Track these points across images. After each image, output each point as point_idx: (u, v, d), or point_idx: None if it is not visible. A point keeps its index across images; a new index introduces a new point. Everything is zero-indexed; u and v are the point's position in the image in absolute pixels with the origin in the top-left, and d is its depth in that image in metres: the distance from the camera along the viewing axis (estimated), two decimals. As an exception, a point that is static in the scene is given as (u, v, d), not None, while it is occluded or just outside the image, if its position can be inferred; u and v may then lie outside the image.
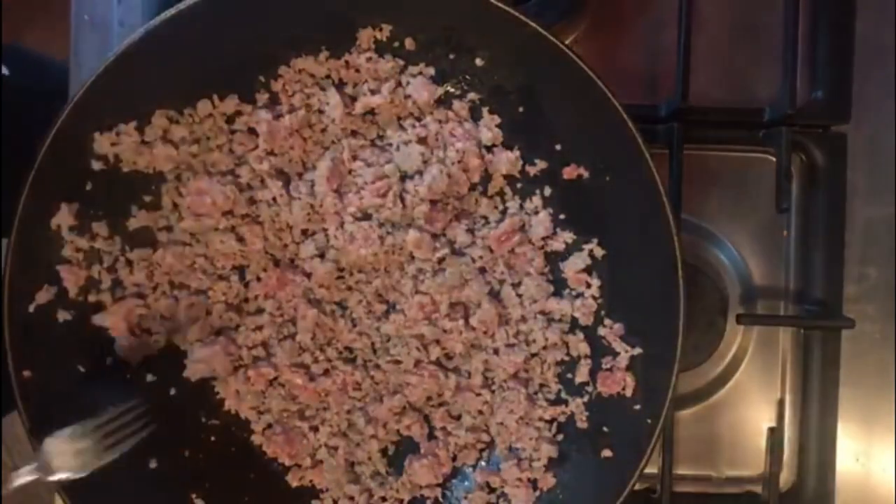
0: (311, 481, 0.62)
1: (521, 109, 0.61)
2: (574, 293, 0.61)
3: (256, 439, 0.63)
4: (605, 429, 0.60)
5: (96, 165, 0.58)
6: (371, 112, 0.61)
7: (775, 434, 0.66)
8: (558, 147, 0.60)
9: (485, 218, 0.62)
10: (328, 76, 0.61)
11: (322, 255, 0.61)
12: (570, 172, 0.60)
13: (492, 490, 0.61)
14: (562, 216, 0.61)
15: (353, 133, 0.61)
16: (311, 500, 0.62)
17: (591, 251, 0.61)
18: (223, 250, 0.61)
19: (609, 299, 0.61)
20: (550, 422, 0.61)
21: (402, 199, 0.60)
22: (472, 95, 0.61)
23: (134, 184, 0.60)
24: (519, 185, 0.62)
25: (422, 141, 0.61)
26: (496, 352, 0.61)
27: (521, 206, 0.62)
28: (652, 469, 0.63)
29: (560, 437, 0.61)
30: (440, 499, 0.62)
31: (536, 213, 0.62)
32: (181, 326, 0.61)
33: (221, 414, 0.63)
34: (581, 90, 0.56)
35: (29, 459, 0.54)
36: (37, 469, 0.52)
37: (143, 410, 0.57)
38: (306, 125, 0.61)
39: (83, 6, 0.68)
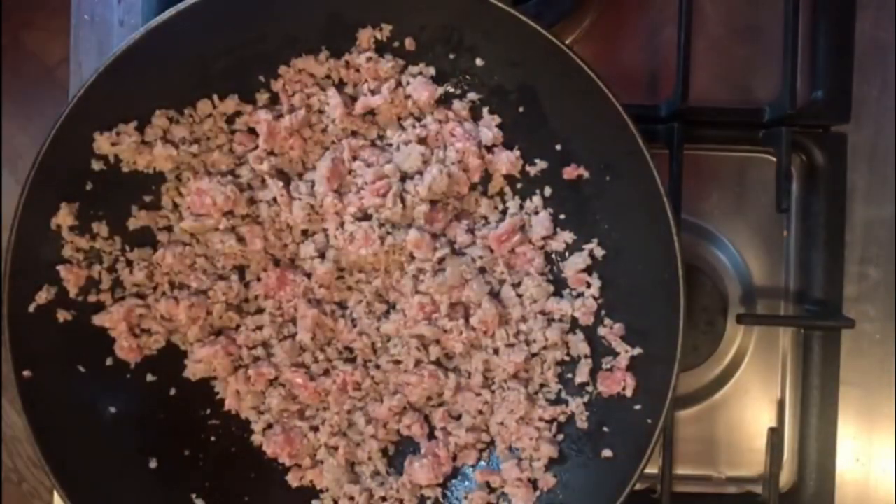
0: (311, 481, 0.62)
1: (521, 109, 0.61)
2: (574, 293, 0.61)
3: (256, 439, 0.63)
4: (605, 429, 0.60)
5: (96, 165, 0.58)
6: (371, 112, 0.61)
7: (775, 434, 0.66)
8: (558, 147, 0.60)
9: (485, 218, 0.62)
10: (328, 76, 0.61)
11: (322, 255, 0.61)
12: (570, 172, 0.60)
13: (492, 490, 0.61)
14: (562, 216, 0.61)
15: (354, 133, 0.61)
16: (311, 500, 0.62)
17: (591, 251, 0.61)
18: (223, 250, 0.61)
19: (609, 299, 0.61)
20: (550, 422, 0.61)
21: (402, 199, 0.60)
22: (472, 95, 0.61)
23: (134, 184, 0.60)
24: (519, 185, 0.62)
25: (422, 141, 0.61)
26: (496, 352, 0.61)
27: (521, 206, 0.62)
28: (652, 469, 0.63)
29: (560, 437, 0.61)
30: (440, 499, 0.62)
31: (536, 213, 0.62)
32: (181, 326, 0.61)
33: (221, 414, 0.63)
34: (581, 90, 0.56)
35: (29, 460, 0.54)
36: None
37: None
38: (306, 125, 0.61)
39: (83, 6, 0.68)
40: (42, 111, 1.58)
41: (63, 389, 0.58)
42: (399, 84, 0.61)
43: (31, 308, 0.57)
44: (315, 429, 0.63)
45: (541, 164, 0.61)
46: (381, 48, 0.60)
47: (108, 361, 0.60)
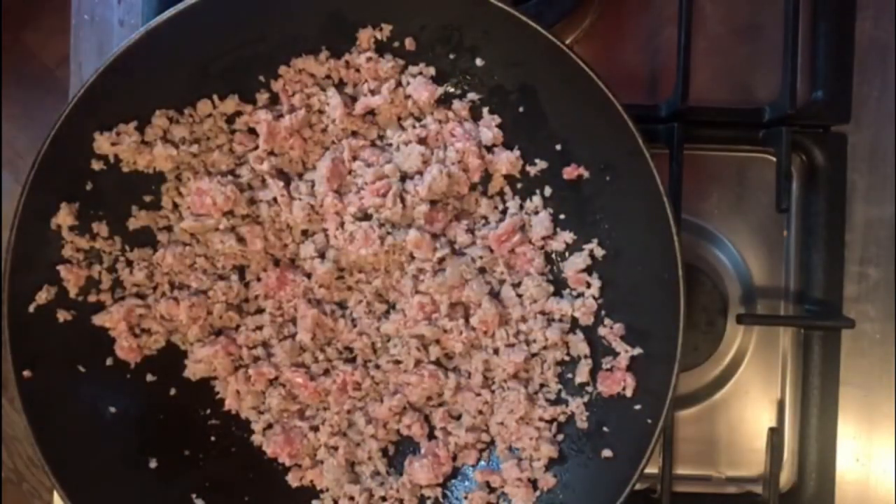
0: (311, 481, 0.62)
1: (521, 109, 0.61)
2: (574, 293, 0.61)
3: (256, 439, 0.63)
4: (605, 429, 0.60)
5: (96, 165, 0.58)
6: (371, 112, 0.61)
7: (775, 434, 0.66)
8: (558, 147, 0.60)
9: (485, 218, 0.62)
10: (328, 76, 0.61)
11: (322, 255, 0.61)
12: (570, 172, 0.60)
13: (492, 490, 0.61)
14: (562, 216, 0.61)
15: (354, 133, 0.61)
16: (311, 500, 0.62)
17: (591, 251, 0.61)
18: (223, 250, 0.61)
19: (609, 299, 0.61)
20: (550, 422, 0.61)
21: (402, 199, 0.60)
22: (472, 95, 0.61)
23: (134, 184, 0.60)
24: (519, 185, 0.62)
25: (422, 141, 0.61)
26: (496, 352, 0.61)
27: (521, 206, 0.62)
28: (652, 469, 0.63)
29: (560, 437, 0.61)
30: (440, 499, 0.62)
31: (536, 213, 0.62)
32: (181, 326, 0.61)
33: (221, 414, 0.63)
34: (581, 90, 0.56)
35: (29, 460, 0.54)
36: None
37: None
38: (306, 125, 0.61)
39: (83, 6, 0.68)
40: (42, 111, 1.58)
41: (63, 389, 0.58)
42: (399, 84, 0.61)
43: (31, 308, 0.57)
44: (315, 429, 0.63)
45: (541, 164, 0.61)
46: (381, 48, 0.60)
47: (108, 361, 0.60)
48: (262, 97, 0.61)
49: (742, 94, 0.69)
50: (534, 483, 0.60)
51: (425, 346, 0.62)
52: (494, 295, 0.62)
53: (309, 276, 0.62)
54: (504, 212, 0.62)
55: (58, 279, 0.58)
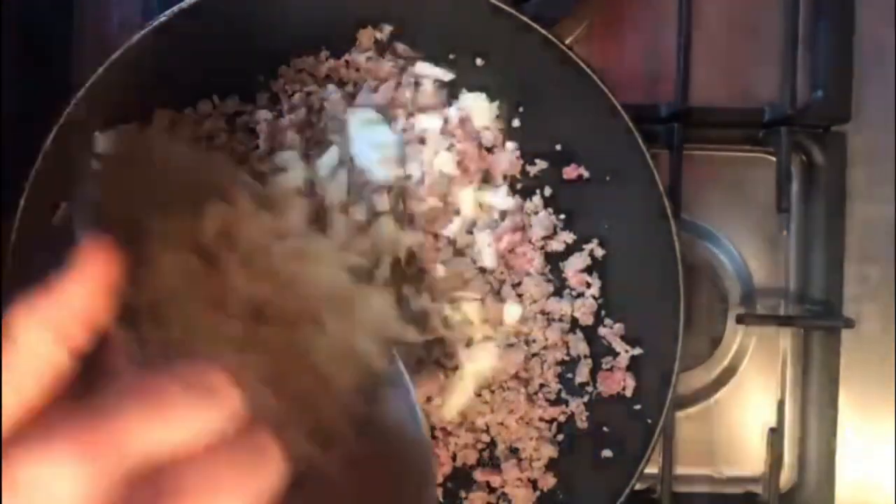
0: (311, 481, 0.62)
1: (521, 109, 0.61)
2: (574, 293, 0.61)
3: (256, 439, 0.63)
4: (605, 429, 0.60)
5: (97, 165, 0.58)
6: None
7: (775, 434, 0.66)
8: (558, 147, 0.60)
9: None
10: (328, 76, 0.61)
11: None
12: (570, 172, 0.60)
13: (492, 490, 0.61)
14: (562, 216, 0.61)
15: (353, 133, 0.61)
16: (311, 500, 0.62)
17: (591, 251, 0.61)
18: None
19: (609, 299, 0.61)
20: (550, 422, 0.61)
21: (403, 199, 0.60)
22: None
23: (134, 184, 0.60)
24: (519, 185, 0.62)
25: (422, 141, 0.61)
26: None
27: (521, 207, 0.62)
28: (652, 469, 0.63)
29: (560, 437, 0.61)
30: (440, 499, 0.62)
31: (536, 213, 0.62)
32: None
33: (221, 414, 0.63)
34: (581, 90, 0.56)
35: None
36: None
37: None
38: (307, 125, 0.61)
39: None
40: (42, 111, 1.58)
41: (63, 389, 0.58)
42: (399, 84, 0.61)
43: (32, 308, 0.57)
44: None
45: (541, 164, 0.61)
46: (381, 48, 0.60)
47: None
48: (262, 97, 0.61)
49: (742, 94, 0.69)
50: (534, 483, 0.60)
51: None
52: (494, 295, 0.61)
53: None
54: (504, 212, 0.62)
55: (58, 279, 0.58)
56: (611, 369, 0.60)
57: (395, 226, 0.60)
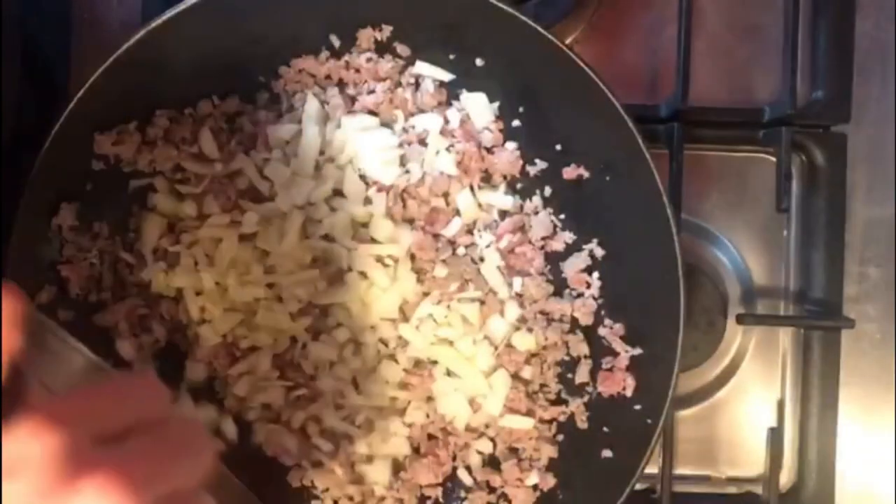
0: (311, 481, 0.62)
1: (521, 109, 0.61)
2: (574, 293, 0.61)
3: (256, 439, 0.63)
4: (605, 429, 0.60)
5: (96, 165, 0.58)
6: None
7: (775, 434, 0.66)
8: (558, 147, 0.60)
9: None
10: (328, 76, 0.61)
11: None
12: (570, 172, 0.60)
13: (492, 490, 0.61)
14: (562, 216, 0.61)
15: (354, 133, 0.61)
16: (311, 500, 0.62)
17: (591, 251, 0.61)
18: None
19: (609, 299, 0.61)
20: (550, 422, 0.61)
21: (403, 199, 0.60)
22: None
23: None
24: (519, 185, 0.62)
25: (422, 141, 0.61)
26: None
27: (521, 206, 0.62)
28: (652, 469, 0.63)
29: (560, 437, 0.61)
30: (440, 499, 0.62)
31: (536, 213, 0.62)
32: (182, 327, 0.61)
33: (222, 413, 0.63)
34: (581, 90, 0.56)
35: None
36: None
37: None
38: (306, 125, 0.61)
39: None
40: (42, 111, 1.58)
41: (63, 389, 0.58)
42: (399, 84, 0.61)
43: (32, 308, 0.57)
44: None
45: (541, 164, 0.61)
46: (381, 48, 0.60)
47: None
48: (262, 97, 0.61)
49: (742, 94, 0.69)
50: (534, 483, 0.60)
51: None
52: (494, 295, 0.62)
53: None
54: (504, 212, 0.62)
55: (58, 279, 0.58)
56: (611, 369, 0.60)
57: (393, 225, 0.60)
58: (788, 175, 0.65)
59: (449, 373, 0.61)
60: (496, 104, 0.61)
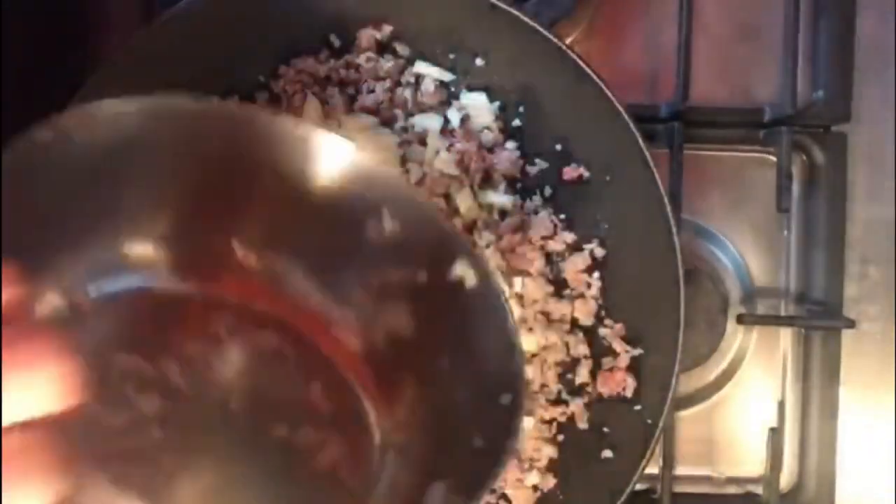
0: (311, 481, 0.62)
1: (521, 109, 0.61)
2: (574, 293, 0.61)
3: (256, 439, 0.63)
4: (605, 429, 0.60)
5: (96, 165, 0.58)
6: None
7: (775, 434, 0.66)
8: (558, 147, 0.60)
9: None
10: (328, 76, 0.61)
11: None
12: (570, 172, 0.60)
13: (492, 490, 0.61)
14: (562, 216, 0.61)
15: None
16: (311, 500, 0.62)
17: (591, 251, 0.61)
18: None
19: (609, 299, 0.61)
20: (550, 422, 0.61)
21: (402, 199, 0.60)
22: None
23: (134, 184, 0.60)
24: (519, 185, 0.62)
25: (422, 141, 0.61)
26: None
27: (522, 206, 0.62)
28: (652, 469, 0.63)
29: (560, 437, 0.61)
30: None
31: (536, 213, 0.62)
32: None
33: (221, 414, 0.63)
34: (581, 90, 0.56)
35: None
36: None
37: None
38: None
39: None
40: (42, 111, 1.58)
41: (63, 389, 0.58)
42: (399, 84, 0.61)
43: (31, 308, 0.57)
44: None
45: (541, 164, 0.61)
46: (381, 48, 0.60)
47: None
48: (262, 97, 0.61)
49: (742, 94, 0.69)
50: (534, 483, 0.60)
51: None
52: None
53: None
54: (504, 212, 0.62)
55: (58, 279, 0.58)
56: (611, 369, 0.60)
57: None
58: (788, 175, 0.65)
59: (449, 373, 0.61)
60: (496, 104, 0.61)
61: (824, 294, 0.67)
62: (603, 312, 0.61)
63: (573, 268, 0.61)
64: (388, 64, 0.60)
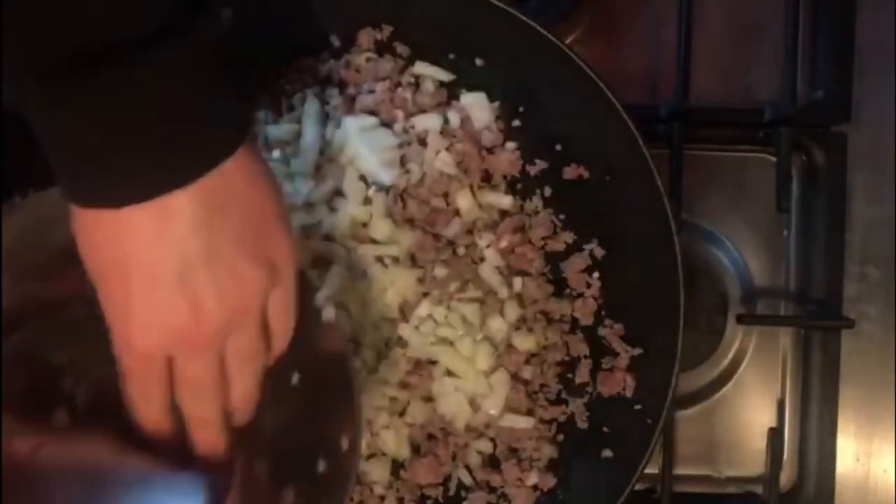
0: (311, 481, 0.62)
1: (521, 109, 0.61)
2: (574, 293, 0.61)
3: (256, 439, 0.63)
4: (605, 429, 0.60)
5: (96, 165, 0.58)
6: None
7: (775, 434, 0.66)
8: (558, 147, 0.60)
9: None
10: (328, 76, 0.61)
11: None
12: (570, 172, 0.60)
13: (492, 490, 0.61)
14: (562, 216, 0.61)
15: (353, 133, 0.61)
16: (311, 500, 0.62)
17: (591, 251, 0.61)
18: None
19: (609, 299, 0.61)
20: (550, 422, 0.61)
21: (403, 200, 0.60)
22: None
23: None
24: (519, 185, 0.62)
25: (422, 141, 0.61)
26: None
27: (521, 206, 0.62)
28: (652, 469, 0.63)
29: (560, 437, 0.61)
30: (440, 499, 0.62)
31: (536, 213, 0.62)
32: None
33: (221, 414, 0.63)
34: (581, 90, 0.56)
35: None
36: None
37: None
38: (306, 125, 0.61)
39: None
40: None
41: (63, 389, 0.58)
42: (399, 84, 0.61)
43: (31, 308, 0.57)
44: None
45: (541, 164, 0.61)
46: (381, 48, 0.60)
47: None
48: (262, 97, 0.61)
49: (742, 94, 0.69)
50: (534, 483, 0.60)
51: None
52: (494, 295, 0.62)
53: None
54: (504, 212, 0.62)
55: (58, 279, 0.58)
56: (611, 369, 0.60)
57: (393, 225, 0.60)
58: (788, 175, 0.65)
59: (449, 373, 0.61)
60: (496, 104, 0.61)
61: (824, 294, 0.67)
62: (603, 312, 0.61)
63: (573, 268, 0.61)
64: (388, 64, 0.60)
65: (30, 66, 0.34)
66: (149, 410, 0.44)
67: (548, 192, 0.61)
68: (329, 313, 0.49)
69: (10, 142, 0.48)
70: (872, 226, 0.68)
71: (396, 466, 0.62)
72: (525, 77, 0.59)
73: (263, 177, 0.41)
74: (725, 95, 0.69)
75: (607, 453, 0.59)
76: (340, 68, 0.60)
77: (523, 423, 0.60)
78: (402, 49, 0.60)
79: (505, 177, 0.62)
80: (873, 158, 0.68)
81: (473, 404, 0.61)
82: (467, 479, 0.62)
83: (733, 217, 0.69)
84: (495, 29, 0.57)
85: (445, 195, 0.61)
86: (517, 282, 0.61)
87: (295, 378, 0.49)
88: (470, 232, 0.62)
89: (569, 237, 0.61)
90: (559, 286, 0.62)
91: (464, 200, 0.61)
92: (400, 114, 0.61)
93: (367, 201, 0.60)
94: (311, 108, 0.60)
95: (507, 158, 0.61)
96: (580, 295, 0.61)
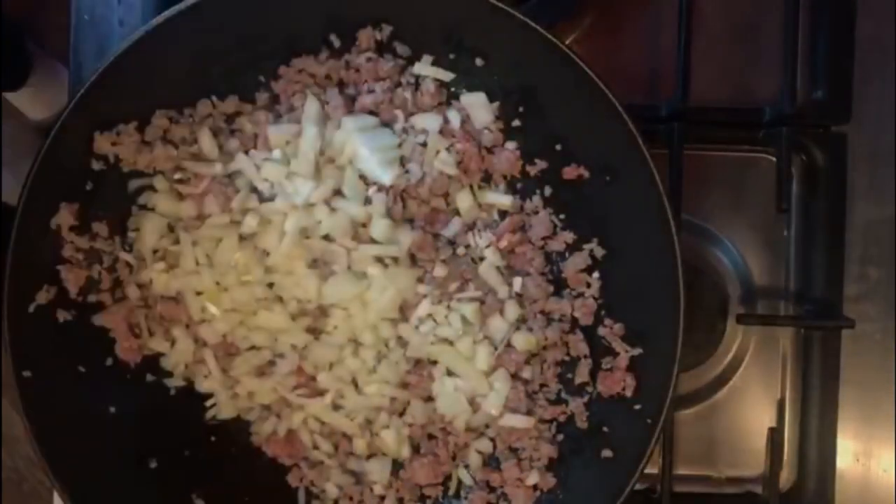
0: (311, 481, 0.62)
1: (521, 109, 0.61)
2: (574, 293, 0.61)
3: (256, 439, 0.63)
4: (605, 429, 0.60)
5: (96, 165, 0.58)
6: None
7: (775, 434, 0.66)
8: (558, 147, 0.60)
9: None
10: (328, 76, 0.61)
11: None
12: (570, 172, 0.60)
13: (492, 490, 0.61)
14: (562, 216, 0.61)
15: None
16: (311, 499, 0.62)
17: (591, 251, 0.61)
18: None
19: (609, 299, 0.61)
20: (550, 422, 0.61)
21: (403, 200, 0.60)
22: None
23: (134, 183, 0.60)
24: (519, 185, 0.62)
25: (422, 142, 0.61)
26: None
27: (522, 207, 0.62)
28: (652, 469, 0.63)
29: (560, 437, 0.61)
30: (440, 499, 0.62)
31: (536, 213, 0.62)
32: (191, 325, 0.61)
33: (221, 414, 0.63)
34: (581, 90, 0.56)
35: (29, 460, 0.54)
36: None
37: None
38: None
39: (83, 6, 0.68)
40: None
41: (63, 389, 0.58)
42: (399, 84, 0.61)
43: (32, 308, 0.57)
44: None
45: (541, 164, 0.61)
46: (381, 48, 0.60)
47: (108, 362, 0.60)
48: (262, 97, 0.61)
49: (742, 94, 0.69)
50: (534, 483, 0.60)
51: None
52: (494, 295, 0.62)
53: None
54: (504, 212, 0.62)
55: (58, 279, 0.58)
56: (611, 369, 0.60)
57: (393, 225, 0.60)
58: (788, 175, 0.65)
59: (449, 373, 0.61)
60: (496, 104, 0.61)
61: (824, 294, 0.67)
62: (603, 312, 0.61)
63: (573, 267, 0.61)
64: (388, 64, 0.60)
65: None
66: None
67: (548, 191, 0.61)
68: None
69: None
70: (872, 226, 0.68)
71: (396, 466, 0.63)
72: (525, 77, 0.59)
73: None
74: (725, 95, 0.69)
75: (607, 453, 0.59)
76: (340, 68, 0.60)
77: (523, 422, 0.60)
78: (402, 49, 0.60)
79: (505, 177, 0.62)
80: (873, 158, 0.68)
81: (473, 404, 0.61)
82: (467, 479, 0.62)
83: (733, 217, 0.69)
84: (495, 29, 0.57)
85: (445, 195, 0.61)
86: (517, 281, 0.61)
87: None
88: (470, 232, 0.62)
89: (569, 237, 0.61)
90: (559, 286, 0.62)
91: (464, 200, 0.61)
92: (400, 114, 0.61)
93: (367, 201, 0.60)
94: (311, 108, 0.60)
95: (507, 158, 0.61)
96: (580, 295, 0.61)
